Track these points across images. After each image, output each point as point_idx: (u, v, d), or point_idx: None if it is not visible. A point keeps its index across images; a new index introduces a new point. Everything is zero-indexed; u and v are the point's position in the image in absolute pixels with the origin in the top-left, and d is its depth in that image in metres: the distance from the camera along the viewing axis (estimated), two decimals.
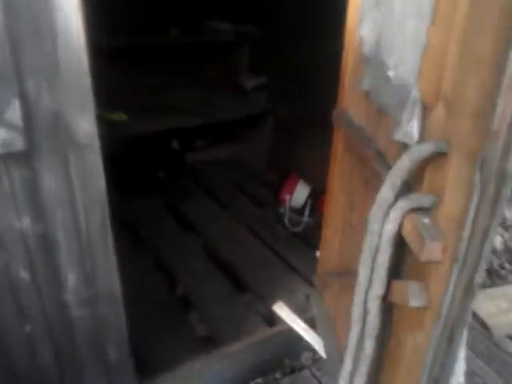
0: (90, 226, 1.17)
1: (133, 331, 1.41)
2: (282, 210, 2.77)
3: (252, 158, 3.43)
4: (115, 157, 2.97)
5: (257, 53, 3.14)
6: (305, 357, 1.88)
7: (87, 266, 1.22)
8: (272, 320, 1.95)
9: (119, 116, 2.58)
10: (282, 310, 1.95)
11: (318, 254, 2.33)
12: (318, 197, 2.75)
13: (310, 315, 1.90)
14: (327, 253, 1.84)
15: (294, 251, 2.41)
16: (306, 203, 2.73)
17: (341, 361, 1.31)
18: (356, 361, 1.23)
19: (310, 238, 2.51)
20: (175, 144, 3.23)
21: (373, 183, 1.16)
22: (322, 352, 1.78)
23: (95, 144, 1.10)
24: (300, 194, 2.77)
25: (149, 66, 2.97)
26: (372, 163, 1.19)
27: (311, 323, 1.88)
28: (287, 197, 2.77)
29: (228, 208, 2.83)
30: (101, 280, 1.26)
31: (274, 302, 2.02)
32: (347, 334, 1.23)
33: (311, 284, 2.14)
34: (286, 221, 2.65)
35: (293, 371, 1.83)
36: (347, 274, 1.42)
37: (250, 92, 3.06)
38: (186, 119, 2.87)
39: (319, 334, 1.83)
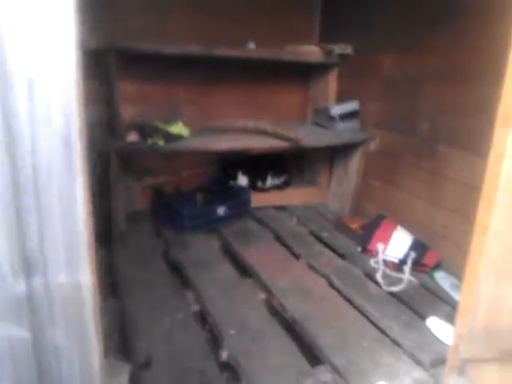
0: None
1: None
2: (372, 264, 2.09)
3: (333, 200, 2.83)
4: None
5: (347, 75, 2.65)
6: None
7: None
8: None
9: (179, 128, 2.15)
10: None
11: (429, 322, 1.62)
12: (423, 250, 2.06)
13: None
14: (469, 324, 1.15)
15: (391, 317, 1.71)
16: (406, 256, 2.04)
17: None
18: None
19: (413, 301, 1.80)
20: (243, 180, 2.73)
21: None
22: None
23: None
24: (399, 243, 2.09)
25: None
26: None
27: None
28: (380, 247, 2.10)
29: (301, 257, 2.20)
30: None
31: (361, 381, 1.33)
32: None
33: (420, 364, 1.44)
34: (379, 276, 1.97)
35: None
36: None
37: (337, 120, 2.53)
38: (268, 142, 2.41)
39: None
